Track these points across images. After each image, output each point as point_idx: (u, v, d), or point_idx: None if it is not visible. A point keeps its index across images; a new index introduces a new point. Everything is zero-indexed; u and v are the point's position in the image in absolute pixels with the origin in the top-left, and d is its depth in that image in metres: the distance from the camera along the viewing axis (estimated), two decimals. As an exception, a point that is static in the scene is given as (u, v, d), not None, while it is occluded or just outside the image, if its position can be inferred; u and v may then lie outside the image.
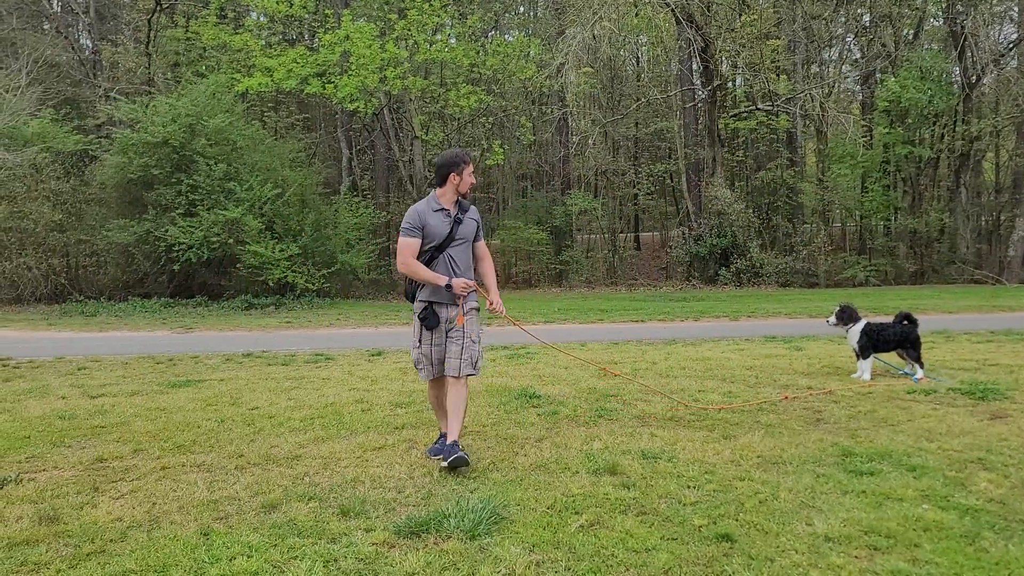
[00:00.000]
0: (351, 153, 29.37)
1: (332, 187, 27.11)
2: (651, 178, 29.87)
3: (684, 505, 4.40)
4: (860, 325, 7.98)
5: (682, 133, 28.11)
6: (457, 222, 5.34)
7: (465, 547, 3.89)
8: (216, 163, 20.18)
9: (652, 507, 4.39)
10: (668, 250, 28.71)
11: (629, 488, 4.71)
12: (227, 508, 4.54)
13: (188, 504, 4.64)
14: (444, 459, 5.10)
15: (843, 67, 30.32)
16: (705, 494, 4.58)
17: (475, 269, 5.57)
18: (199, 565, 3.71)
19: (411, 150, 27.40)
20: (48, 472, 5.31)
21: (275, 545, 3.95)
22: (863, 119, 27.21)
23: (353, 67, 22.58)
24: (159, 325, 16.15)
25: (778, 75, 27.03)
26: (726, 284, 23.87)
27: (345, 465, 5.40)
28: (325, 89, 22.97)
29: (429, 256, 5.30)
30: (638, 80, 33.76)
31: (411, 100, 26.09)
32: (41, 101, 22.87)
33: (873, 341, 7.93)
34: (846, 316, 8.06)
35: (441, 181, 5.34)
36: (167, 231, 19.66)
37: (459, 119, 27.68)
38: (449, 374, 5.29)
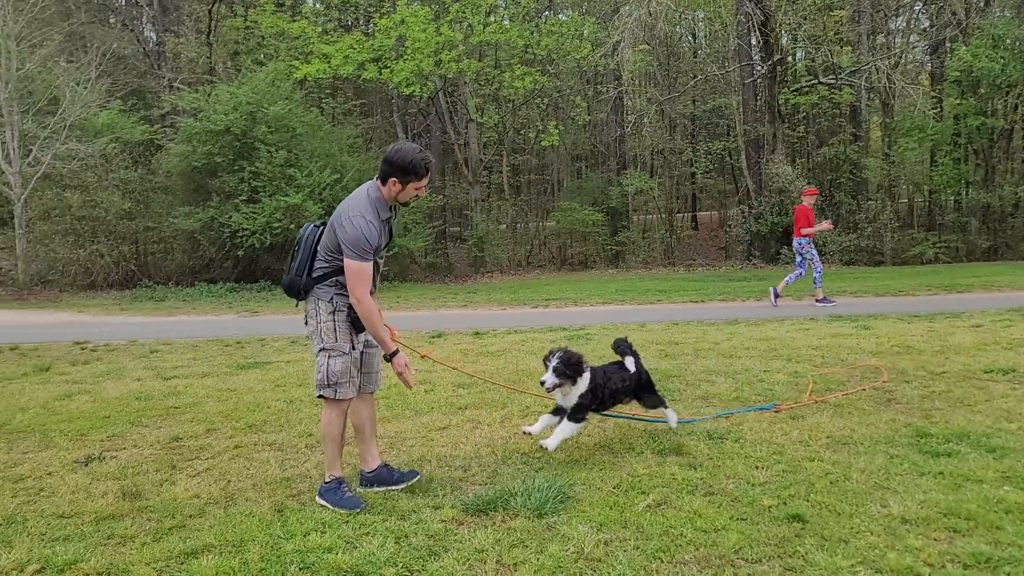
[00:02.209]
0: (407, 137, 29.56)
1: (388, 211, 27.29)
2: (709, 156, 29.36)
3: (753, 486, 4.35)
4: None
5: (741, 109, 27.51)
6: (392, 216, 4.51)
7: (532, 525, 3.91)
8: (277, 150, 20.53)
9: (720, 487, 4.35)
10: (727, 229, 28.24)
11: (695, 468, 4.67)
12: (299, 486, 4.65)
13: (261, 482, 4.76)
14: (402, 482, 4.53)
15: (911, 37, 29.27)
16: (774, 475, 4.51)
17: None
18: (275, 540, 3.81)
19: (466, 133, 27.44)
20: (128, 450, 5.51)
21: (347, 522, 4.04)
22: (932, 90, 26.25)
23: (408, 51, 22.68)
24: (225, 309, 16.56)
25: (841, 47, 26.20)
26: (788, 263, 23.34)
27: (411, 444, 5.48)
28: (381, 74, 23.13)
29: None
30: (695, 56, 33.16)
31: (466, 83, 26.11)
32: (110, 93, 23.55)
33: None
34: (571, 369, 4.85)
35: (390, 180, 4.30)
36: (231, 217, 20.10)
37: (513, 101, 27.57)
38: (371, 391, 4.66)
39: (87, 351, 10.38)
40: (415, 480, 4.58)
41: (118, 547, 3.77)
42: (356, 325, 4.37)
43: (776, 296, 13.31)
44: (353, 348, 4.38)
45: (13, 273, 21.05)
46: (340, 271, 4.30)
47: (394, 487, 4.53)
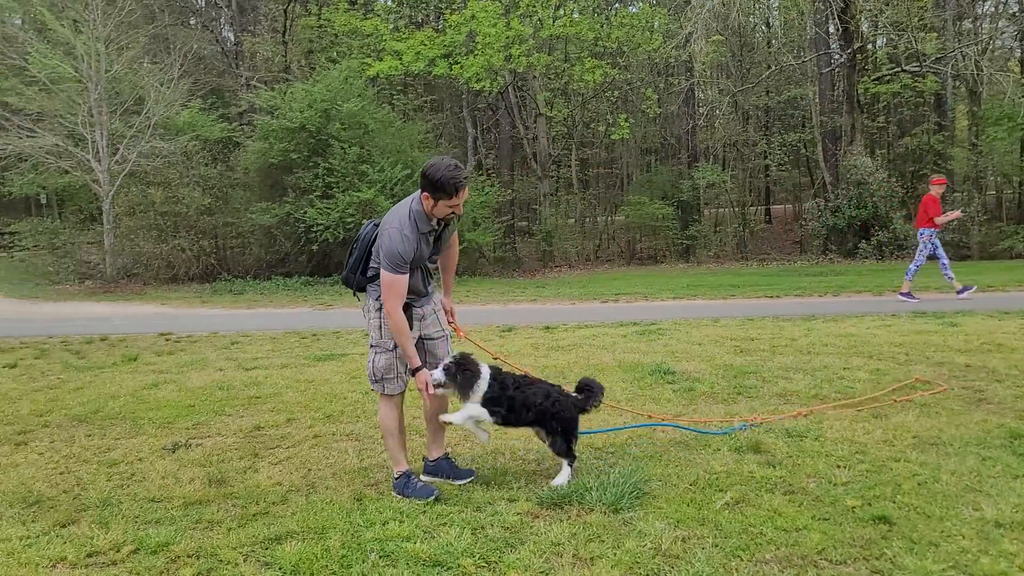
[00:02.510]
0: (476, 132, 29.72)
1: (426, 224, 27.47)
2: (784, 148, 28.66)
3: (835, 485, 4.24)
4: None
5: (817, 100, 26.79)
6: (445, 225, 4.45)
7: (608, 520, 3.89)
8: (350, 146, 20.90)
9: (800, 486, 4.25)
10: (802, 223, 27.52)
11: (774, 467, 4.58)
12: (376, 475, 4.74)
13: (340, 471, 4.87)
14: (455, 479, 4.57)
15: (999, 22, 27.98)
16: (857, 474, 4.39)
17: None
18: (355, 528, 3.89)
19: (535, 127, 27.43)
20: (212, 438, 5.69)
21: (423, 512, 4.09)
22: (1022, 77, 25.04)
23: (479, 47, 22.78)
24: (300, 302, 16.96)
25: (926, 33, 25.22)
26: (866, 258, 22.65)
27: (485, 437, 5.50)
28: (452, 70, 23.29)
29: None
30: (769, 46, 32.37)
31: (535, 77, 26.08)
32: (191, 92, 24.32)
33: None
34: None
35: (423, 194, 4.23)
36: (305, 213, 20.55)
37: (583, 94, 27.43)
38: None
39: (171, 342, 10.77)
40: (469, 479, 4.58)
41: (206, 531, 3.91)
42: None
43: (961, 289, 12.75)
44: (394, 346, 4.38)
45: (101, 267, 21.95)
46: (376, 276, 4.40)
47: (452, 481, 4.57)
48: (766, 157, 29.62)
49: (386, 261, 4.18)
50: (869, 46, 27.33)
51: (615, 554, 3.51)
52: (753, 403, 6.15)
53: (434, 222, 4.33)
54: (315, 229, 20.34)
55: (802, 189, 33.20)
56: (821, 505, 3.98)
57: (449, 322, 4.74)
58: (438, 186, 4.14)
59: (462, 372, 4.31)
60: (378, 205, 20.13)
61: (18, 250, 25.80)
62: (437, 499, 4.25)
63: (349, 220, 20.11)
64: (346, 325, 12.12)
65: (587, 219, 30.55)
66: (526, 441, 5.36)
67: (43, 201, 36.04)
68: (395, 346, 4.38)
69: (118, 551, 3.69)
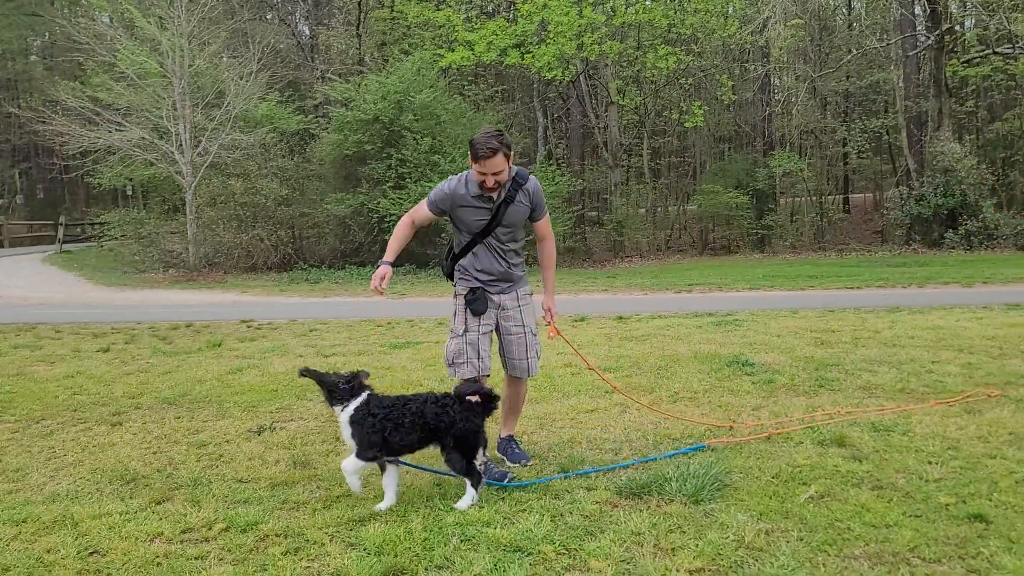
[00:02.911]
0: (547, 122, 29.64)
1: (528, 157, 27.54)
2: (865, 135, 27.72)
3: (926, 481, 4.10)
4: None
5: (902, 84, 25.82)
6: (505, 203, 4.44)
7: (689, 511, 3.85)
8: (422, 137, 21.12)
9: (889, 482, 4.13)
10: (884, 212, 26.63)
11: (860, 461, 4.45)
12: (455, 461, 4.78)
13: (419, 456, 4.86)
14: (509, 460, 4.69)
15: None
16: (950, 471, 4.23)
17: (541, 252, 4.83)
18: (436, 513, 3.94)
19: (606, 116, 27.21)
20: (296, 422, 5.85)
21: (502, 498, 4.12)
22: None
23: (551, 35, 22.70)
24: (374, 291, 17.23)
25: (1019, 14, 24.02)
26: (953, 248, 21.79)
27: (560, 426, 5.52)
28: (523, 59, 23.27)
29: (470, 241, 4.53)
30: (850, 29, 31.34)
31: (607, 65, 25.85)
32: (268, 85, 24.92)
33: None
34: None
35: (472, 158, 4.33)
36: (378, 203, 20.87)
37: (655, 82, 27.06)
38: (520, 377, 4.73)
39: (252, 328, 11.09)
40: (525, 464, 4.65)
41: (292, 512, 4.01)
42: (473, 309, 4.48)
43: None
44: (467, 331, 4.49)
45: (184, 256, 22.74)
46: (462, 255, 4.56)
47: (508, 462, 4.69)
48: (845, 144, 28.73)
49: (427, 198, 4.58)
50: (957, 27, 26.19)
51: (697, 545, 3.47)
52: (836, 396, 6.00)
53: (484, 191, 4.38)
54: (388, 219, 20.63)
55: (884, 177, 32.10)
56: (912, 501, 3.85)
57: (548, 322, 4.77)
58: (471, 149, 4.30)
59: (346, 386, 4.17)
60: (450, 195, 20.30)
61: (107, 240, 26.95)
62: (484, 483, 4.27)
63: (421, 210, 20.32)
64: (419, 314, 12.28)
65: (658, 209, 30.18)
66: (602, 430, 5.35)
67: (129, 192, 37.55)
68: (464, 331, 4.50)
69: (210, 528, 3.82)
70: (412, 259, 21.98)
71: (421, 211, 4.59)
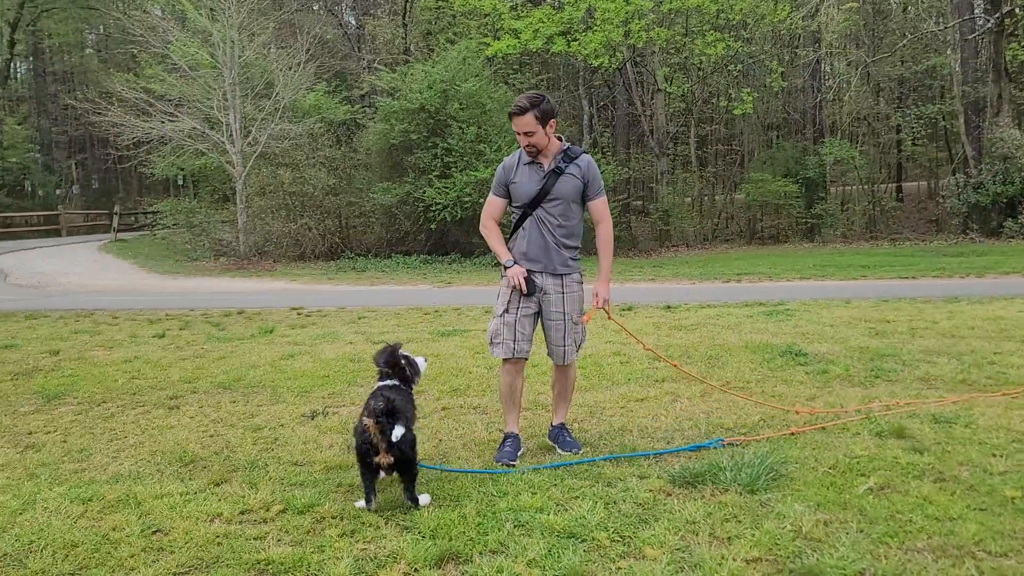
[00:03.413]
0: (592, 110, 29.44)
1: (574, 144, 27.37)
2: (920, 121, 26.99)
3: (991, 474, 3.99)
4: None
5: (959, 69, 25.07)
6: (555, 174, 4.48)
7: (744, 501, 3.80)
8: (468, 126, 21.15)
9: (951, 474, 4.03)
10: (939, 200, 25.95)
11: (921, 453, 4.35)
12: (506, 448, 4.79)
13: (470, 442, 4.96)
14: (560, 448, 4.67)
15: None
16: (1016, 464, 4.12)
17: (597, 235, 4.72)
18: (489, 498, 3.95)
19: (653, 104, 26.93)
20: (347, 407, 5.91)
21: (555, 484, 4.11)
22: None
23: (597, 22, 22.51)
24: (420, 280, 17.36)
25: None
26: (1012, 237, 21.14)
27: (611, 414, 5.49)
28: (570, 47, 23.12)
29: (520, 215, 4.58)
30: (905, 12, 30.50)
31: (654, 52, 25.56)
32: (316, 76, 25.17)
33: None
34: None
35: None
36: (424, 192, 20.98)
37: (703, 69, 26.67)
38: (555, 362, 4.74)
39: (303, 316, 11.25)
40: (576, 452, 4.62)
41: (347, 495, 4.06)
42: (520, 290, 4.47)
43: None
44: (507, 312, 4.55)
45: (234, 244, 23.16)
46: (512, 235, 4.67)
47: (560, 450, 4.68)
48: (899, 131, 28.01)
49: None
50: (1018, 10, 25.29)
51: (753, 535, 3.43)
52: (893, 387, 5.87)
53: (547, 157, 4.54)
54: (433, 208, 20.74)
55: (939, 165, 31.27)
56: (976, 494, 3.76)
57: (595, 307, 4.67)
58: (512, 110, 4.49)
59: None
60: (495, 184, 20.30)
61: (160, 228, 27.56)
62: (503, 468, 4.37)
63: (466, 199, 20.39)
64: (466, 302, 12.32)
65: (705, 197, 29.81)
66: (653, 419, 5.31)
67: (180, 183, 38.33)
68: (503, 312, 4.57)
69: (267, 510, 3.89)
70: (458, 248, 22.09)
71: (490, 203, 4.70)
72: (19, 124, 44.81)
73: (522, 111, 4.39)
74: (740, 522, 3.58)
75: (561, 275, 4.58)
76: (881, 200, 27.27)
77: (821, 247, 23.49)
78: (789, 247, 24.11)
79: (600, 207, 4.64)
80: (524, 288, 4.45)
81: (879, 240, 24.05)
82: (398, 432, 3.73)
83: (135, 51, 25.88)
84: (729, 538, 3.43)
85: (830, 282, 14.04)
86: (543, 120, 4.42)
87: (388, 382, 4.30)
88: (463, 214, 20.69)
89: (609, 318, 4.85)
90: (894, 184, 32.58)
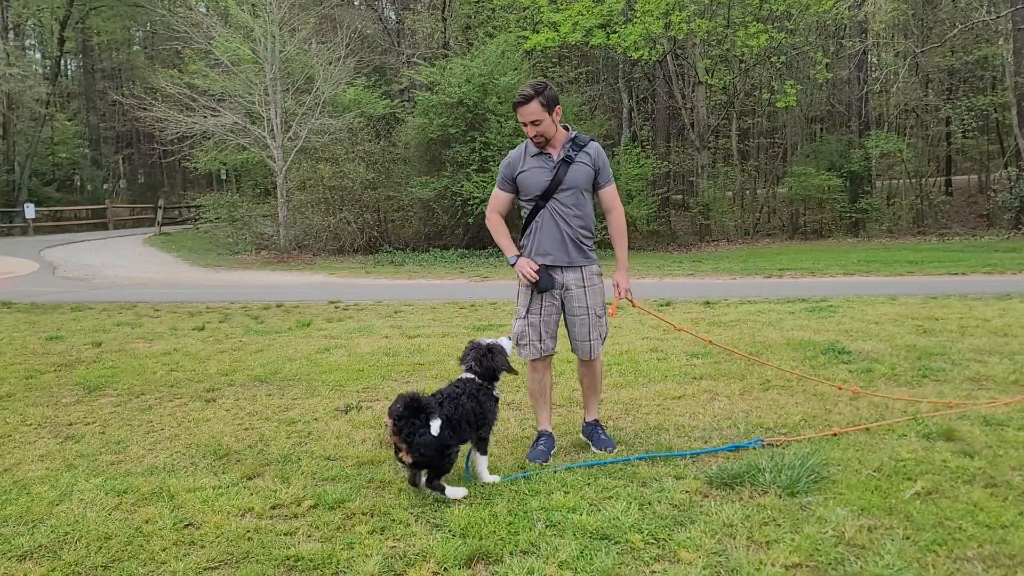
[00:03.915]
0: (632, 103, 29.16)
1: (613, 139, 27.17)
2: (971, 113, 26.21)
3: (1046, 481, 3.81)
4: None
5: (1011, 59, 24.30)
6: (565, 163, 4.38)
7: (784, 503, 3.69)
8: (506, 120, 21.06)
9: (1004, 479, 3.86)
10: (990, 194, 25.23)
11: (971, 457, 4.18)
12: (539, 445, 4.72)
13: (503, 439, 4.90)
14: (594, 446, 4.58)
15: None
16: (1073, 470, 3.93)
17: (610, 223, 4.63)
18: (520, 496, 3.88)
19: (694, 96, 26.58)
20: (382, 402, 5.89)
21: (588, 484, 4.03)
22: None
23: (638, 14, 22.26)
24: (457, 274, 17.35)
25: None
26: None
27: (646, 412, 5.39)
28: (609, 39, 22.88)
29: (532, 208, 4.48)
30: (955, 2, 29.65)
31: (695, 44, 25.20)
32: (356, 70, 25.29)
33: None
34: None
35: None
36: (462, 186, 20.96)
37: (745, 61, 26.22)
38: (582, 358, 4.63)
39: (340, 309, 11.29)
40: (611, 450, 4.53)
41: (378, 491, 4.02)
42: (538, 287, 4.41)
43: None
44: (529, 312, 4.49)
45: (275, 238, 23.41)
46: (524, 230, 4.57)
47: (594, 448, 4.59)
48: (948, 124, 27.25)
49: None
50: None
51: (793, 539, 3.31)
52: (942, 387, 5.67)
53: (555, 148, 4.43)
54: (471, 202, 20.70)
55: (991, 158, 30.39)
56: (1030, 502, 3.59)
57: (618, 297, 4.57)
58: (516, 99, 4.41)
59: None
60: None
61: (202, 222, 27.97)
62: (534, 468, 4.30)
63: (504, 193, 20.28)
64: (502, 297, 12.26)
65: (747, 191, 29.36)
66: (690, 417, 5.20)
67: (223, 177, 38.88)
68: (527, 312, 4.51)
69: (299, 505, 3.87)
70: (494, 243, 22.02)
71: (495, 196, 4.65)
72: (69, 120, 45.89)
73: (527, 99, 4.29)
74: (779, 526, 3.47)
75: (580, 267, 4.49)
76: (929, 194, 26.59)
77: (866, 242, 23.00)
78: (832, 242, 23.65)
79: (611, 194, 4.57)
80: (534, 279, 4.38)
81: (927, 235, 23.46)
82: (434, 427, 3.76)
83: (179, 47, 26.26)
84: (767, 542, 3.32)
85: (875, 278, 13.71)
86: (549, 107, 4.32)
87: (464, 375, 4.28)
88: (501, 208, 20.55)
89: (634, 306, 4.73)
90: (943, 178, 31.76)
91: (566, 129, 4.50)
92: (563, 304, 4.54)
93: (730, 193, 28.05)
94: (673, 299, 11.19)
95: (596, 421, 4.75)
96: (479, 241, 22.29)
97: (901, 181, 27.04)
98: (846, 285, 12.58)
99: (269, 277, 17.73)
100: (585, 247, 4.51)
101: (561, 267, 4.47)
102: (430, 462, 3.85)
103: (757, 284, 13.56)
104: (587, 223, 4.52)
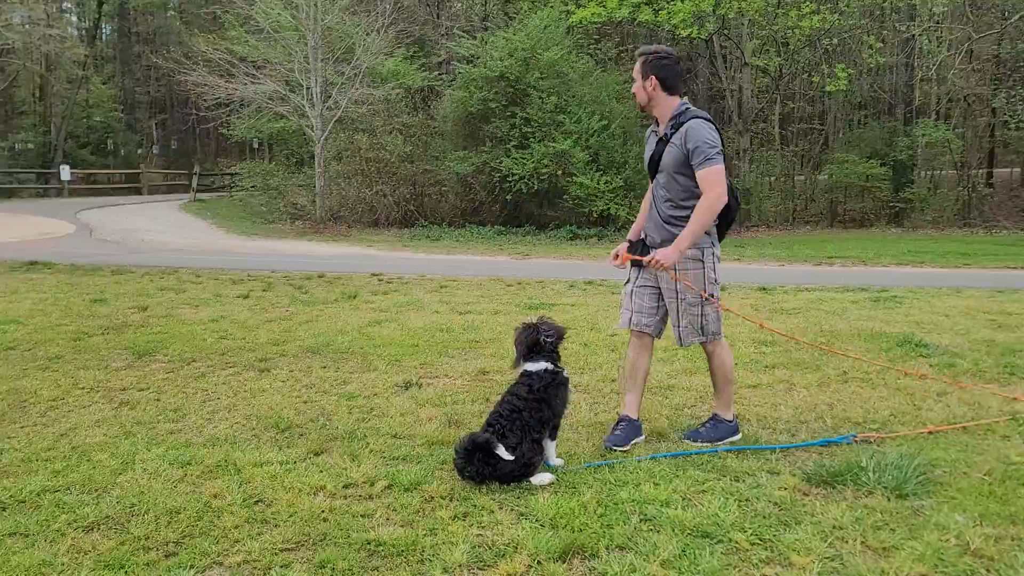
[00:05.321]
0: (673, 84, 28.54)
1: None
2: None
3: None
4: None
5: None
6: (662, 142, 4.18)
7: (893, 506, 3.43)
8: (548, 96, 20.67)
9: None
10: (1040, 188, 24.50)
11: (1088, 463, 3.89)
12: (616, 431, 4.49)
13: (576, 423, 4.68)
14: (684, 435, 4.39)
15: None
16: None
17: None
18: (607, 487, 3.66)
19: (739, 77, 26.00)
20: (441, 379, 5.69)
21: (677, 476, 3.80)
22: None
23: (687, -9, 21.69)
24: (496, 251, 17.09)
25: None
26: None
27: (722, 400, 5.13)
28: (657, 16, 22.33)
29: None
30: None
31: (743, 24, 24.58)
32: (395, 42, 24.95)
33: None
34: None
35: None
36: (501, 162, 20.63)
37: (793, 43, 25.52)
38: (651, 332, 4.37)
39: (383, 282, 11.09)
40: (696, 442, 4.29)
41: (454, 474, 3.79)
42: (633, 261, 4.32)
43: None
44: (628, 281, 4.46)
45: (310, 208, 23.26)
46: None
47: (684, 437, 4.39)
48: (995, 114, 26.42)
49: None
50: None
51: (913, 547, 3.06)
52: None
53: (662, 123, 4.25)
54: (510, 179, 20.39)
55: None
56: None
57: (650, 264, 4.15)
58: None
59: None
60: (573, 156, 19.84)
61: (238, 190, 27.92)
62: (611, 451, 4.16)
63: (543, 171, 19.98)
64: (546, 275, 12.00)
65: (787, 178, 28.75)
66: (772, 408, 4.94)
67: (256, 146, 38.83)
68: (627, 281, 4.46)
69: (372, 485, 3.67)
70: (532, 220, 21.75)
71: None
72: (104, 83, 46.05)
73: (637, 56, 4.26)
74: (894, 531, 3.22)
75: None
76: (976, 186, 25.87)
77: (910, 232, 22.44)
78: (875, 231, 23.11)
79: (703, 178, 4.00)
80: (614, 263, 4.40)
81: (973, 227, 22.84)
82: (503, 452, 3.63)
83: (217, 12, 26.03)
84: (885, 548, 3.08)
85: (929, 269, 13.29)
86: (644, 72, 4.16)
87: (531, 367, 3.99)
88: (539, 186, 20.28)
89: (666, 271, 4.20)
90: (985, 170, 30.95)
91: (682, 102, 4.20)
92: (656, 282, 4.32)
93: (771, 178, 27.48)
94: (725, 284, 10.84)
95: (715, 414, 4.43)
96: (516, 218, 21.99)
97: (945, 171, 26.33)
98: (902, 276, 12.19)
99: (306, 247, 17.59)
100: (675, 230, 4.14)
101: (658, 243, 4.24)
102: (523, 476, 3.70)
103: (807, 271, 13.19)
104: (678, 204, 4.17)
